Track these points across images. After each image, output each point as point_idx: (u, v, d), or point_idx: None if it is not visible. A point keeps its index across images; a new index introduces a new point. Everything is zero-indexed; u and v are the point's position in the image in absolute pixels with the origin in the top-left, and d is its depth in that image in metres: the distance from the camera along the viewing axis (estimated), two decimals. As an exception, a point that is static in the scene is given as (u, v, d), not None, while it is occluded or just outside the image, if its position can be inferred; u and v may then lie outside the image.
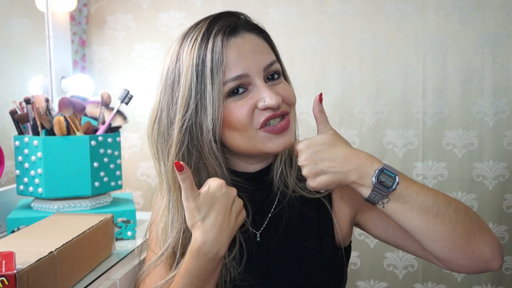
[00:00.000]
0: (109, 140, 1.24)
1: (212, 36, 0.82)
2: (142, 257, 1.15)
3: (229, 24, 0.84)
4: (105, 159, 1.23)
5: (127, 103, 1.27)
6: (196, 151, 0.84)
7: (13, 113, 1.23)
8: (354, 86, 1.77)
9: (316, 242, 0.91)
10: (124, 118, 1.28)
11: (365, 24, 1.74)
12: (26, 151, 1.18)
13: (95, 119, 1.26)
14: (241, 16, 0.89)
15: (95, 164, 1.20)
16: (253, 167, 0.93)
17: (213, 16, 0.86)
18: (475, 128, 1.74)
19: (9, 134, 1.33)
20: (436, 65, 1.74)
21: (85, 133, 1.20)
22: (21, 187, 1.21)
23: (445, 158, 1.76)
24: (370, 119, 1.77)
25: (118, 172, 1.27)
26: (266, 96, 0.81)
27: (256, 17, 0.93)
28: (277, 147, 0.85)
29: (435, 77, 1.75)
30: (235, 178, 0.90)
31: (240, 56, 0.82)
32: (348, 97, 1.77)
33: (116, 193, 1.41)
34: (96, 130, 1.24)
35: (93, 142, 1.19)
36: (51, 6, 1.59)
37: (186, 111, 0.82)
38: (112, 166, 1.25)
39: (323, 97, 0.86)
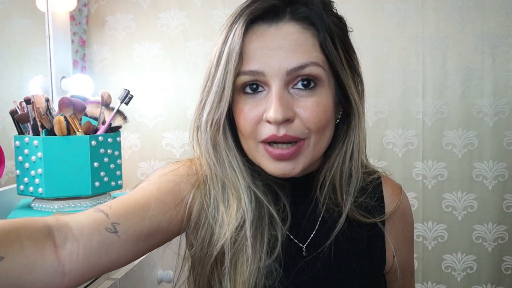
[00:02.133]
0: (109, 140, 1.23)
1: (241, 17, 0.71)
2: (142, 257, 1.15)
3: (269, 8, 0.71)
4: (105, 159, 1.22)
5: (127, 103, 1.27)
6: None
7: (13, 113, 1.23)
8: (354, 86, 1.76)
9: (367, 265, 0.80)
10: (124, 118, 1.28)
11: (365, 24, 1.74)
12: (26, 151, 1.18)
13: (95, 119, 1.26)
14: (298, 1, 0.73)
15: (95, 164, 1.19)
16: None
17: None
18: (475, 128, 1.74)
19: (9, 134, 1.33)
20: (436, 65, 1.74)
21: (85, 133, 1.20)
22: (21, 187, 1.21)
23: (445, 158, 1.76)
24: (370, 119, 1.77)
25: (118, 172, 1.27)
26: (271, 107, 0.68)
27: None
28: (272, 171, 0.72)
29: (435, 77, 1.75)
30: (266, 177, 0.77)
31: (263, 49, 0.70)
32: (348, 97, 1.77)
33: (116, 193, 1.41)
34: (96, 130, 1.24)
35: (93, 142, 1.19)
36: (51, 6, 1.59)
37: (201, 95, 0.75)
38: (112, 166, 1.25)
39: None
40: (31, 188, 1.19)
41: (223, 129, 0.73)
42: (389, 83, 1.76)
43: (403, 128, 1.78)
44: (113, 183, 1.26)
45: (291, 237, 0.79)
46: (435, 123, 1.76)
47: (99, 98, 1.27)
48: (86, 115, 1.25)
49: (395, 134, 1.77)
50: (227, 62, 0.70)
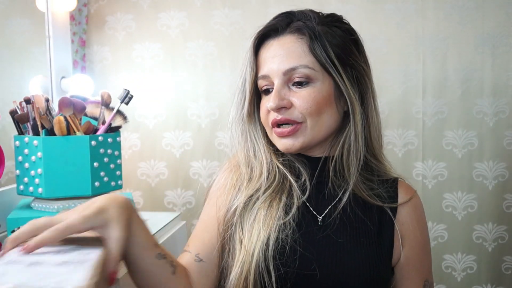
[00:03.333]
0: (109, 140, 1.24)
1: (254, 38, 0.94)
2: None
3: (273, 27, 0.93)
4: (105, 159, 1.23)
5: (127, 103, 1.27)
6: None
7: (13, 113, 1.23)
8: (354, 86, 1.76)
9: (375, 245, 0.91)
10: (124, 118, 1.28)
11: (365, 24, 1.74)
12: (26, 151, 1.18)
13: (95, 119, 1.26)
14: (294, 18, 0.93)
15: (95, 164, 1.20)
16: (310, 152, 0.97)
17: (273, 17, 0.96)
18: (475, 128, 1.74)
19: (9, 134, 1.33)
20: (436, 65, 1.74)
21: (85, 133, 1.20)
22: (21, 187, 1.21)
23: (445, 158, 1.76)
24: (370, 119, 1.76)
25: (118, 172, 1.27)
26: (270, 99, 0.90)
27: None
28: (279, 146, 0.93)
29: (435, 77, 1.75)
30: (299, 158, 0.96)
31: (268, 58, 0.92)
32: (348, 97, 1.77)
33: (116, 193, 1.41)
34: (96, 130, 1.24)
35: (93, 142, 1.19)
36: (51, 6, 1.59)
37: (234, 97, 0.97)
38: (112, 166, 1.25)
39: None
40: (31, 188, 1.19)
41: (252, 121, 0.96)
42: (389, 83, 1.76)
43: (403, 128, 1.78)
44: (113, 183, 1.26)
45: (310, 208, 0.93)
46: (435, 123, 1.76)
47: (99, 98, 1.27)
48: (86, 115, 1.25)
49: (395, 134, 1.77)
50: (245, 72, 0.94)
